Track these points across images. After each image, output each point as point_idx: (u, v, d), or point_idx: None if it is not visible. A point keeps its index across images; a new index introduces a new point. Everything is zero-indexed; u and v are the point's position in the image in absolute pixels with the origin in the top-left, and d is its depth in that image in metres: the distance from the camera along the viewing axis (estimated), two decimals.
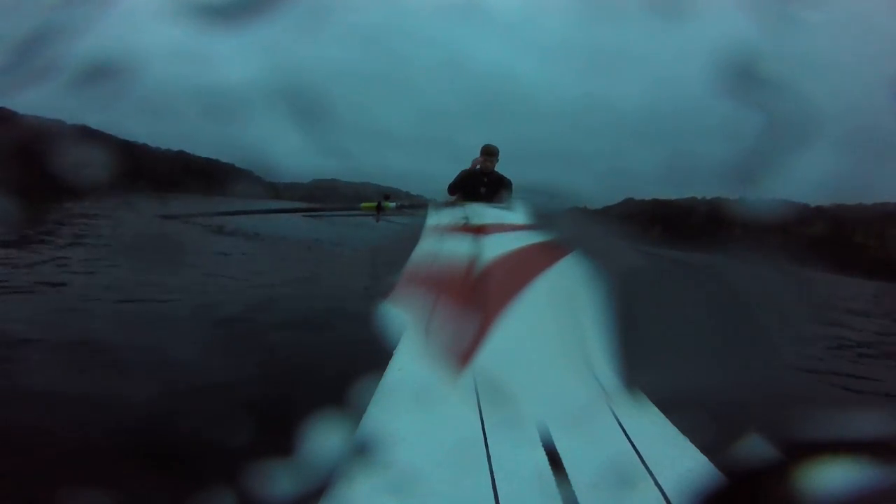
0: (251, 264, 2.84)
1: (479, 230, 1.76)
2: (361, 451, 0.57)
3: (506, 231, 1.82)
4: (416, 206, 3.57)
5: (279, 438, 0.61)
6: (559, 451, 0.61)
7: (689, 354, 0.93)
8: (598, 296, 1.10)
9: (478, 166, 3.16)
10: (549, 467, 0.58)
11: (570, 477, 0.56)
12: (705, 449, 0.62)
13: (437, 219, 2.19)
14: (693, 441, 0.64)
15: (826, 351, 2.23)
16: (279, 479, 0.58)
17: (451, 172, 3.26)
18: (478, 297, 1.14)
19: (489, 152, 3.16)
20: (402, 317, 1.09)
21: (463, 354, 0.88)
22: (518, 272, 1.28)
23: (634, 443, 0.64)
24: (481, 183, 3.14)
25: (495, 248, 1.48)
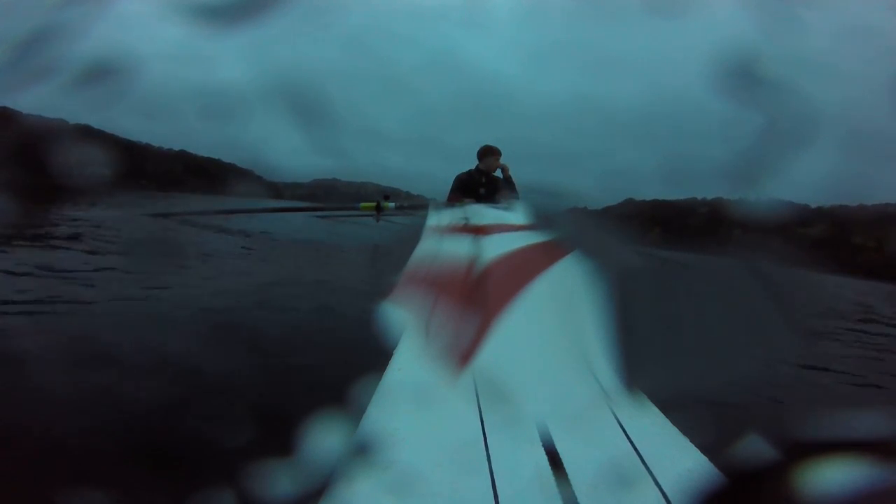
0: (251, 264, 2.84)
1: (480, 230, 1.76)
2: (361, 451, 0.57)
3: (506, 231, 1.82)
4: (415, 206, 3.58)
5: (279, 438, 0.61)
6: (559, 451, 0.61)
7: (688, 354, 0.93)
8: (597, 296, 1.10)
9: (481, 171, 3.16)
10: (549, 467, 0.58)
11: (570, 477, 0.56)
12: (705, 449, 0.62)
13: (437, 219, 2.19)
14: (693, 441, 0.64)
15: (826, 352, 2.24)
16: (279, 479, 0.58)
17: (446, 171, 3.28)
18: (478, 297, 1.15)
19: (493, 152, 3.17)
20: (402, 317, 1.09)
21: (463, 354, 0.88)
22: (518, 272, 1.28)
23: (634, 443, 0.64)
24: (480, 184, 3.14)
25: (495, 248, 1.49)
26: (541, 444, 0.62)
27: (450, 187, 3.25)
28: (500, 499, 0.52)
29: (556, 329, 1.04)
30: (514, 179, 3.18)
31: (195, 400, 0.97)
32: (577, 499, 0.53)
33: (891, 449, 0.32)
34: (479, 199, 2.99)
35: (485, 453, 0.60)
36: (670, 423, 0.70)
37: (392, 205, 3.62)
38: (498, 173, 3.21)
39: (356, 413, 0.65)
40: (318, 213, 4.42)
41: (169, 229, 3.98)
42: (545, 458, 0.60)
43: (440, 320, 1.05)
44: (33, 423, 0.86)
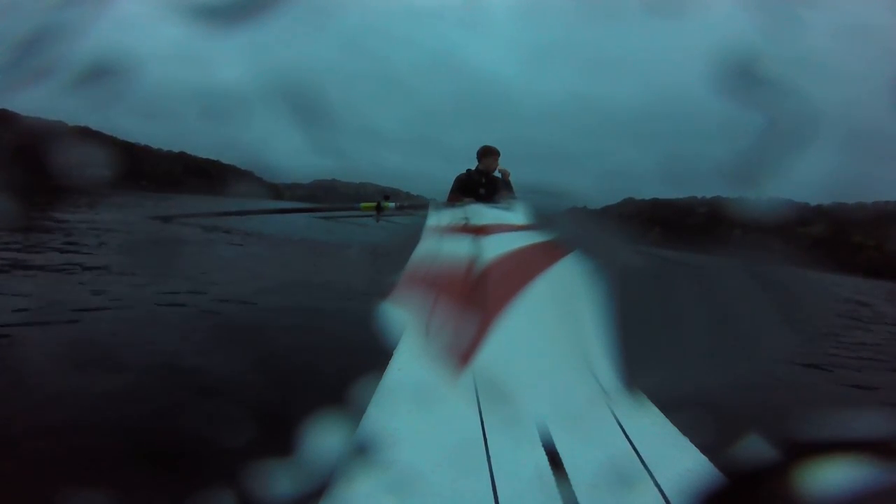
0: (250, 264, 2.84)
1: (480, 230, 1.76)
2: (361, 451, 0.57)
3: (506, 231, 1.82)
4: (415, 206, 3.58)
5: (279, 438, 0.61)
6: (559, 451, 0.61)
7: (688, 354, 0.93)
8: (598, 296, 1.10)
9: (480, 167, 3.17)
10: (549, 467, 0.58)
11: (570, 477, 0.56)
12: (705, 449, 0.62)
13: (437, 219, 2.19)
14: (693, 441, 0.64)
15: (826, 351, 2.24)
16: (279, 479, 0.58)
17: (445, 171, 3.31)
18: (478, 297, 1.14)
19: (492, 152, 3.18)
20: (402, 317, 1.09)
21: (463, 354, 0.88)
22: (518, 272, 1.28)
23: (634, 443, 0.64)
24: (480, 184, 3.15)
25: (495, 248, 1.48)
26: (541, 444, 0.62)
27: (450, 188, 3.25)
28: (500, 499, 0.52)
29: (556, 329, 1.04)
30: (513, 181, 3.19)
31: (195, 400, 0.97)
32: (577, 499, 0.53)
33: (891, 449, 0.32)
34: (479, 199, 3.00)
35: (485, 453, 0.60)
36: (670, 423, 0.70)
37: (392, 205, 3.62)
38: (498, 174, 3.22)
39: (356, 413, 0.65)
40: (319, 214, 4.43)
41: (170, 231, 3.98)
42: (545, 458, 0.60)
43: (440, 320, 1.05)
44: (34, 423, 0.86)
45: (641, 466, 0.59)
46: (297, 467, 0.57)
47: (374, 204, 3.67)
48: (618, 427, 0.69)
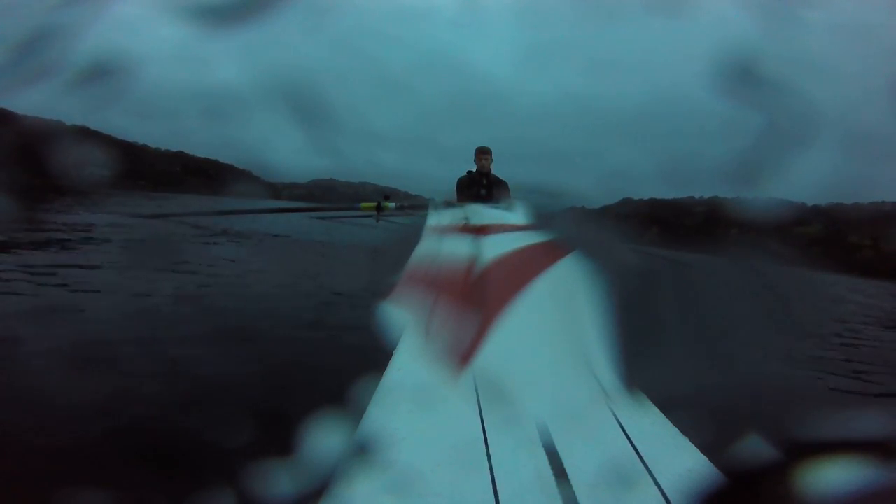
0: (250, 264, 2.84)
1: (480, 230, 1.76)
2: (361, 451, 0.57)
3: (506, 231, 1.83)
4: (415, 206, 3.58)
5: (279, 438, 0.61)
6: (559, 451, 0.61)
7: (689, 354, 0.93)
8: (598, 296, 1.10)
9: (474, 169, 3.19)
10: (549, 467, 0.58)
11: (570, 477, 0.56)
12: (705, 449, 0.62)
13: (437, 219, 2.19)
14: (693, 441, 0.65)
15: (825, 351, 2.24)
16: (279, 479, 0.58)
17: (442, 170, 3.32)
18: (478, 297, 1.15)
19: (481, 152, 3.20)
20: (402, 317, 1.09)
21: (463, 354, 0.88)
22: (518, 272, 1.28)
23: (634, 443, 0.64)
24: (481, 185, 3.16)
25: (495, 248, 1.49)
26: (541, 444, 0.62)
27: (447, 188, 3.27)
28: (500, 499, 0.52)
29: (556, 329, 1.04)
30: (512, 181, 3.21)
31: (196, 400, 0.97)
32: (577, 499, 0.53)
33: (891, 449, 0.32)
34: (479, 199, 3.00)
35: (485, 453, 0.60)
36: (670, 423, 0.70)
37: (392, 205, 3.62)
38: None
39: (356, 413, 0.65)
40: (319, 214, 4.42)
41: (168, 230, 3.97)
42: (545, 458, 0.60)
43: (440, 320, 1.05)
44: (34, 423, 0.86)
45: (641, 466, 0.59)
46: (297, 467, 0.57)
47: (374, 204, 3.66)
48: (618, 427, 0.69)
